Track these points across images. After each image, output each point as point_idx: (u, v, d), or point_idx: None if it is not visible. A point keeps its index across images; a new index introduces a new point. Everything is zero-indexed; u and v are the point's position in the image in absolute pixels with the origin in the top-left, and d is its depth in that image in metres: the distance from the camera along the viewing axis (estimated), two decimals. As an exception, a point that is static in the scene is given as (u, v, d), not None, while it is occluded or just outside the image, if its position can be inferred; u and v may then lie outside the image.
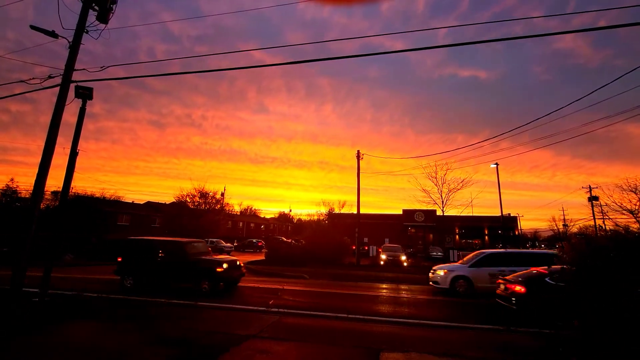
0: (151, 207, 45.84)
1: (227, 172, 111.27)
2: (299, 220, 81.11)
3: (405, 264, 22.89)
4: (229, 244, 34.22)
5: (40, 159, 8.40)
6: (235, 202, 79.25)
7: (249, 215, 77.15)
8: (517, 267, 10.31)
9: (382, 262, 22.88)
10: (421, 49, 7.93)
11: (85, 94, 8.24)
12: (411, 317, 7.90)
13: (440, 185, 28.67)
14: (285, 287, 11.78)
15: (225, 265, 10.34)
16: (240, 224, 60.70)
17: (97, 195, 37.22)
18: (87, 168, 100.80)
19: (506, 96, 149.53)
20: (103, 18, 10.09)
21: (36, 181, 8.18)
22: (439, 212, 31.71)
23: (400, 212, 43.02)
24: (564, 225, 55.00)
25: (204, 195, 32.49)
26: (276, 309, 8.13)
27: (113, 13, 10.26)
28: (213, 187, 51.58)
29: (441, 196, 28.37)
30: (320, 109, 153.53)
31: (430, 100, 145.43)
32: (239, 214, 71.85)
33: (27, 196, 36.10)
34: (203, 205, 32.40)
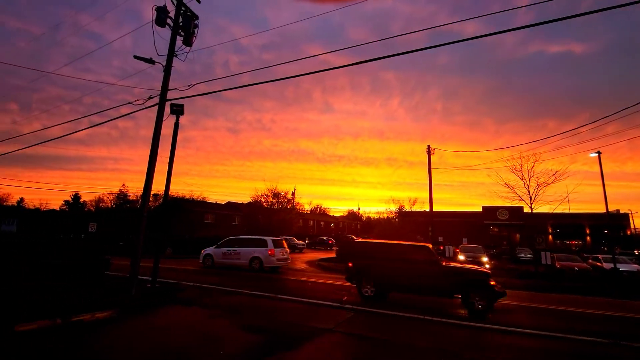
0: (231, 207, 50.25)
1: (296, 172, 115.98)
2: (368, 218, 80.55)
3: (487, 265, 21.00)
4: (301, 242, 35.67)
5: (146, 168, 9.94)
6: (305, 201, 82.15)
7: (319, 213, 79.21)
8: (241, 247, 15.62)
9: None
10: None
11: (178, 110, 9.48)
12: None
13: (527, 179, 25.48)
14: (357, 285, 11.83)
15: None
16: (311, 222, 62.70)
17: (187, 196, 42.40)
18: (176, 173, 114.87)
19: (610, 71, 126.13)
20: (188, 42, 11.47)
21: (145, 186, 9.69)
22: (526, 210, 28.30)
23: (480, 210, 39.64)
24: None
25: (276, 195, 34.57)
26: (350, 306, 8.24)
27: (195, 37, 11.60)
28: (284, 187, 54.39)
29: (528, 191, 25.16)
30: (387, 103, 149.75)
31: (512, 84, 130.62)
32: (308, 212, 74.38)
33: (134, 198, 42.88)
34: (276, 205, 34.48)
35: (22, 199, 54.90)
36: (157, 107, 10.63)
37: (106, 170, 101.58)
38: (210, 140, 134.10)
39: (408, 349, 5.29)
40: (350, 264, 9.94)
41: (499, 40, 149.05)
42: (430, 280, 8.64)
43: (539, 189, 25.01)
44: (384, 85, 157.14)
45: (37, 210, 51.29)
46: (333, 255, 24.47)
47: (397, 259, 9.24)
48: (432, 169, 23.30)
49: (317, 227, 63.30)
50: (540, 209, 25.72)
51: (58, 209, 53.97)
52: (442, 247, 29.29)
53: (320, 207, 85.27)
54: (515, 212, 36.09)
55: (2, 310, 5.87)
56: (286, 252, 16.25)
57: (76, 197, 55.83)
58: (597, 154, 22.81)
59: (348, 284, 12.08)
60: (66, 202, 55.64)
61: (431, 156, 23.34)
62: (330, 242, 39.62)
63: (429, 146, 23.43)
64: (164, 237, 25.95)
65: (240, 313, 7.28)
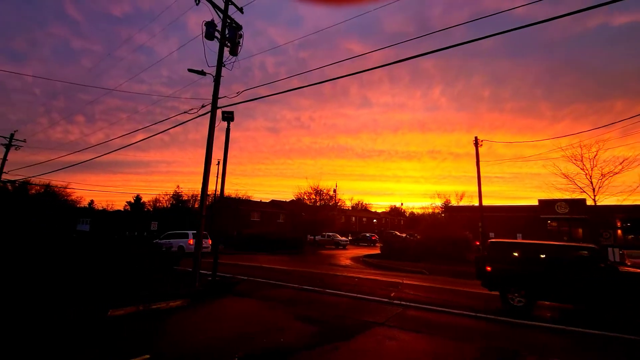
0: (275, 205, 52.06)
1: (336, 168, 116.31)
2: (412, 213, 78.59)
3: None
4: (344, 238, 35.96)
5: (203, 170, 10.81)
6: (347, 198, 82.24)
7: (360, 209, 78.88)
8: (174, 239, 20.83)
9: (513, 260, 20.17)
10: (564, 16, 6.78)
11: (229, 117, 10.21)
12: (557, 321, 6.93)
13: (589, 169, 23.27)
14: (404, 281, 11.85)
15: None
16: (353, 218, 62.75)
17: (233, 195, 44.72)
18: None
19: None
20: (234, 52, 12.20)
21: (202, 189, 10.57)
22: (589, 202, 25.88)
23: (536, 203, 36.84)
24: None
25: (318, 192, 35.14)
26: (398, 301, 8.35)
27: (241, 46, 12.29)
28: (326, 184, 54.95)
29: (591, 182, 23.00)
30: (428, 93, 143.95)
31: (571, 63, 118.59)
32: (350, 209, 74.40)
33: (187, 198, 46.11)
34: (318, 202, 35.04)
35: (92, 201, 61.54)
36: (208, 114, 11.52)
37: (161, 173, 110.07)
38: (251, 141, 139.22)
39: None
40: (489, 268, 8.67)
41: (552, 17, 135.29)
42: (604, 289, 7.26)
43: (603, 180, 22.75)
44: (424, 74, 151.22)
45: (104, 211, 57.29)
46: (377, 251, 24.42)
47: (555, 262, 7.98)
48: (480, 161, 22.20)
49: (359, 223, 63.19)
50: (606, 201, 23.43)
51: (122, 209, 59.82)
52: (493, 243, 27.83)
53: (362, 203, 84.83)
54: (576, 204, 33.03)
55: (98, 298, 6.90)
56: (207, 243, 20.03)
57: (137, 198, 61.40)
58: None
59: (395, 280, 12.17)
60: (128, 202, 61.45)
61: (479, 148, 22.26)
62: (373, 238, 39.43)
63: (476, 138, 22.36)
64: (219, 232, 27.91)
65: (294, 305, 7.74)
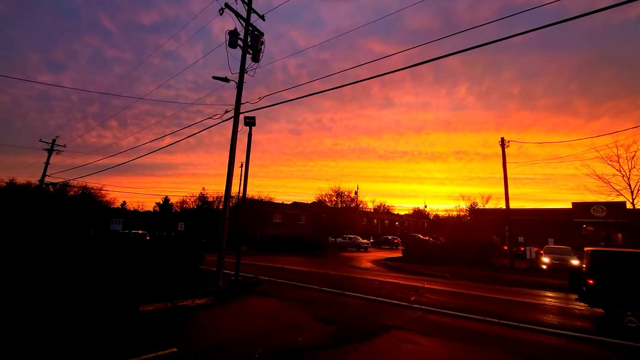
0: (297, 207, 52.58)
1: (358, 170, 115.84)
2: (436, 216, 76.66)
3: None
4: (365, 240, 35.74)
5: (226, 173, 11.23)
6: (369, 200, 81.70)
7: (383, 212, 78.00)
8: None
9: (544, 267, 19.29)
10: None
11: (250, 122, 10.55)
12: (578, 330, 6.64)
13: (627, 171, 21.93)
14: (425, 286, 11.70)
15: None
16: (375, 220, 62.20)
17: (256, 197, 45.62)
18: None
19: None
20: (256, 59, 12.56)
21: (225, 192, 10.98)
22: (629, 206, 24.32)
23: (569, 206, 35.03)
24: None
25: (339, 194, 35.13)
26: (418, 305, 8.29)
27: (262, 53, 12.64)
28: (347, 186, 54.97)
29: (629, 184, 21.69)
30: (453, 92, 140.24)
31: (611, 56, 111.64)
32: (372, 211, 73.72)
33: (212, 200, 47.53)
34: (339, 204, 35.02)
35: (124, 202, 64.81)
36: (232, 119, 11.94)
37: (188, 175, 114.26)
38: (274, 143, 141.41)
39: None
40: (592, 282, 7.58)
41: (589, 6, 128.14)
42: None
43: (644, 181, 21.39)
44: (449, 72, 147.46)
45: (135, 212, 60.20)
46: (399, 254, 24.13)
47: None
48: (509, 162, 21.44)
49: (381, 225, 62.53)
50: (648, 204, 21.97)
51: (152, 210, 62.60)
52: (522, 249, 26.75)
53: (384, 205, 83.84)
54: (615, 208, 31.13)
55: (130, 294, 7.39)
56: None
57: (166, 199, 64.07)
58: None
59: (416, 284, 12.03)
60: (157, 203, 64.22)
61: (506, 149, 21.51)
62: (395, 241, 38.90)
63: (502, 139, 21.62)
64: (241, 234, 28.68)
65: (313, 306, 7.89)
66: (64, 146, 30.26)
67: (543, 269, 19.13)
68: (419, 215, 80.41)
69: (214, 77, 12.58)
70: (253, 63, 12.62)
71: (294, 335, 5.61)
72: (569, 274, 9.03)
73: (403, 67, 8.96)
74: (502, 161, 21.56)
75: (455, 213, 47.43)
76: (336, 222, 32.91)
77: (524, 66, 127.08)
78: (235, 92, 12.18)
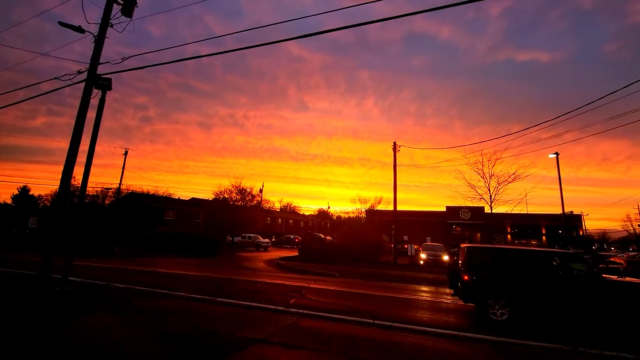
0: (195, 203, 47.95)
1: (269, 170, 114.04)
2: (339, 217, 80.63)
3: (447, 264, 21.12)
4: (266, 240, 34.52)
5: (67, 151, 8.56)
6: (276, 199, 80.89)
7: (289, 212, 78.07)
8: None
9: (421, 262, 21.33)
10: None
11: (104, 84, 8.20)
12: (450, 327, 6.76)
13: (488, 178, 26.18)
14: (311, 286, 11.10)
15: None
16: (280, 220, 61.48)
17: (151, 192, 39.86)
18: (144, 168, 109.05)
19: (572, 81, 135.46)
20: (128, 12, 10.10)
21: (63, 172, 8.32)
22: (487, 210, 29.11)
23: (444, 210, 40.45)
24: (640, 225, 47.94)
25: (241, 191, 33.03)
26: (295, 309, 7.44)
27: (137, 6, 10.25)
28: (250, 183, 52.54)
29: (489, 190, 25.96)
30: (362, 103, 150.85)
31: (482, 89, 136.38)
32: (279, 210, 72.99)
33: (93, 193, 39.50)
34: (240, 202, 32.93)
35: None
36: (84, 82, 9.26)
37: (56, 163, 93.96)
38: (180, 135, 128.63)
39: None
40: (466, 277, 7.71)
41: (472, 45, 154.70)
42: (589, 300, 6.90)
43: (498, 188, 25.73)
44: (359, 84, 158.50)
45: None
46: (296, 253, 23.64)
47: (539, 270, 7.44)
48: (400, 169, 23.08)
49: (286, 225, 62.18)
50: (499, 208, 26.54)
51: (2, 202, 48.87)
52: (405, 246, 29.43)
53: (291, 205, 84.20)
54: (476, 211, 37.16)
55: None
56: None
57: (24, 190, 50.95)
58: (555, 155, 23.73)
59: (302, 284, 11.33)
60: (14, 195, 50.62)
61: (400, 156, 23.17)
62: (297, 240, 38.75)
63: (394, 143, 23.24)
64: (115, 235, 23.95)
65: (164, 321, 6.22)
66: None
67: (421, 264, 21.07)
68: (323, 216, 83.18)
69: (62, 24, 9.68)
70: (124, 17, 10.14)
71: (103, 369, 3.97)
72: (448, 270, 9.32)
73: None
74: (393, 163, 23.11)
75: (354, 214, 50.33)
76: (236, 220, 30.72)
77: (419, 88, 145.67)
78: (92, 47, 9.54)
